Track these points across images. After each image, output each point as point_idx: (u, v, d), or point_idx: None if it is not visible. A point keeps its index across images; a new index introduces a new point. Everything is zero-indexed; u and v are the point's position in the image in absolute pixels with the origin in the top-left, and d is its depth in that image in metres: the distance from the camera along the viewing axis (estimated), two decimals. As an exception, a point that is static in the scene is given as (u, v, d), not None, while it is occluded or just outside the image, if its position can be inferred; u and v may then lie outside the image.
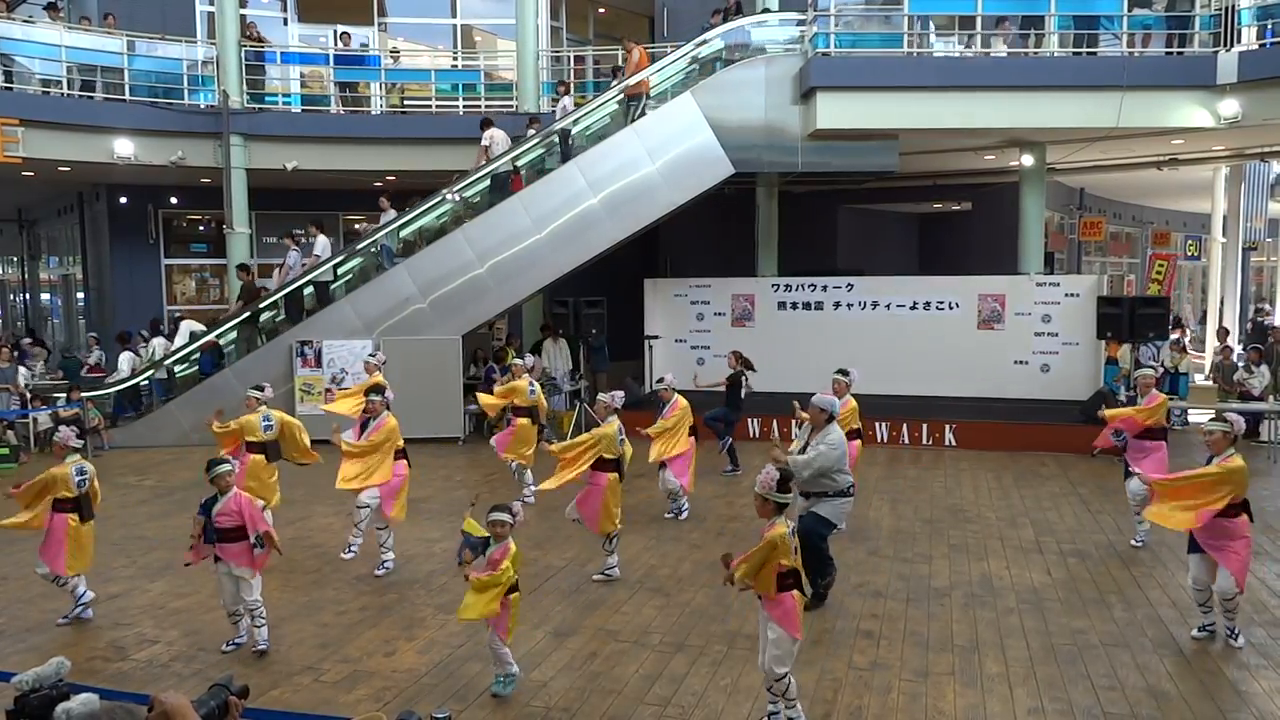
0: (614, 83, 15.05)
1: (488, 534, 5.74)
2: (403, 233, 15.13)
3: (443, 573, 8.08)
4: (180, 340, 15.00)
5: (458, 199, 14.67)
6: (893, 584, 7.72)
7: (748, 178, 15.07)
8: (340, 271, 15.07)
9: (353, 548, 8.52)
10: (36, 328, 23.04)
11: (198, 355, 14.73)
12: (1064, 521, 9.58)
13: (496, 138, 14.81)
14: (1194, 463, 8.61)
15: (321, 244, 15.10)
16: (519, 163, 14.73)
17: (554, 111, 15.41)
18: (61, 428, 7.42)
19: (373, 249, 15.02)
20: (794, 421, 8.46)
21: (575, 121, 14.77)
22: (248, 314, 14.85)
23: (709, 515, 9.88)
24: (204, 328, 15.21)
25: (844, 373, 9.36)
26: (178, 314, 16.13)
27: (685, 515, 9.85)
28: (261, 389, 9.03)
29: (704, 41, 14.61)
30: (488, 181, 14.71)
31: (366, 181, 17.07)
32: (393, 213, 15.18)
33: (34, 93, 15.00)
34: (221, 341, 14.83)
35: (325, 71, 17.33)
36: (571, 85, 16.24)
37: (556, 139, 14.68)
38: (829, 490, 7.07)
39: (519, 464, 10.57)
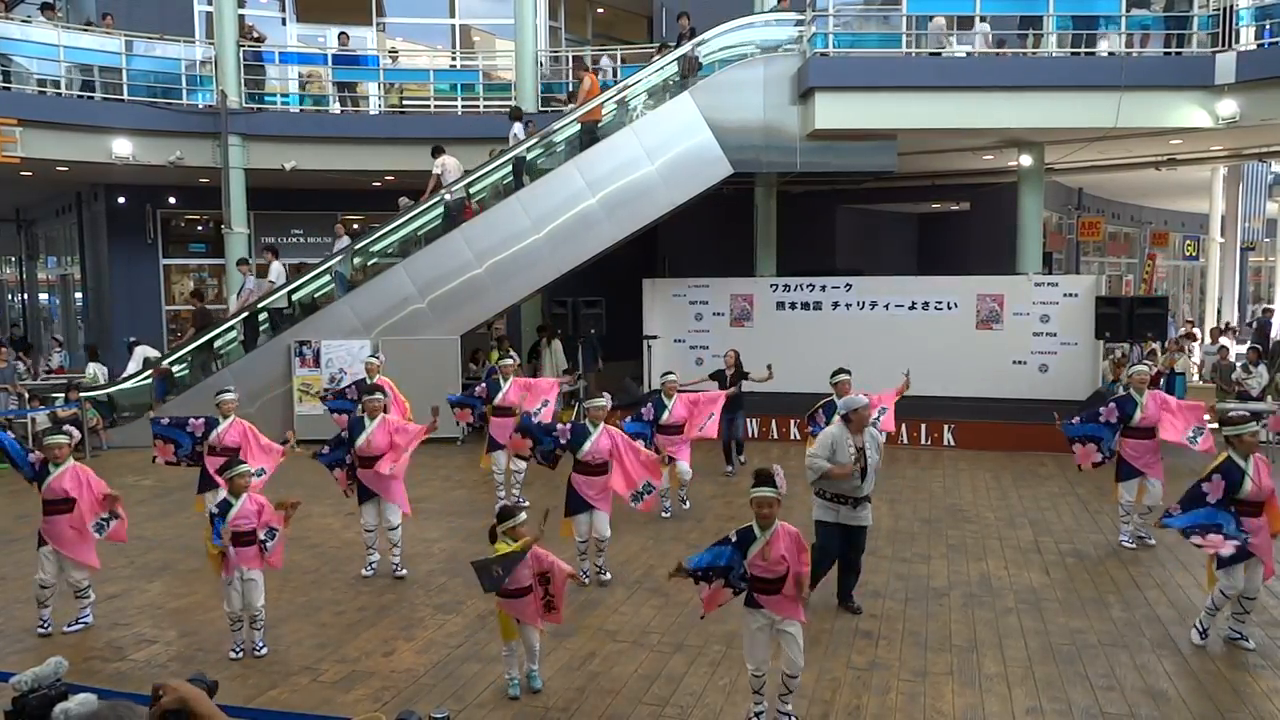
0: (567, 109, 14.82)
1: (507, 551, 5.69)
2: (357, 259, 15.11)
3: (441, 573, 8.09)
4: (134, 366, 14.89)
5: (451, 197, 14.68)
6: (891, 584, 7.72)
7: (746, 178, 15.07)
8: (295, 298, 15.04)
9: (397, 568, 8.14)
10: (27, 328, 23.06)
11: (150, 382, 14.67)
12: (1062, 521, 9.59)
13: (448, 165, 14.90)
14: (1192, 463, 8.61)
15: (275, 270, 15.13)
16: (471, 190, 14.80)
17: (512, 135, 15.05)
18: (73, 429, 7.42)
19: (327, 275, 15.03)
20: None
21: (529, 149, 14.69)
22: (201, 340, 14.85)
23: (708, 515, 9.89)
24: (158, 354, 15.17)
25: (846, 372, 9.35)
26: (131, 339, 15.92)
27: (688, 505, 9.91)
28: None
29: (700, 42, 14.58)
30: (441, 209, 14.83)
31: (365, 181, 17.07)
32: (346, 239, 15.26)
33: (32, 93, 15.00)
34: (175, 369, 14.79)
35: (324, 71, 17.32)
36: (576, 99, 15.71)
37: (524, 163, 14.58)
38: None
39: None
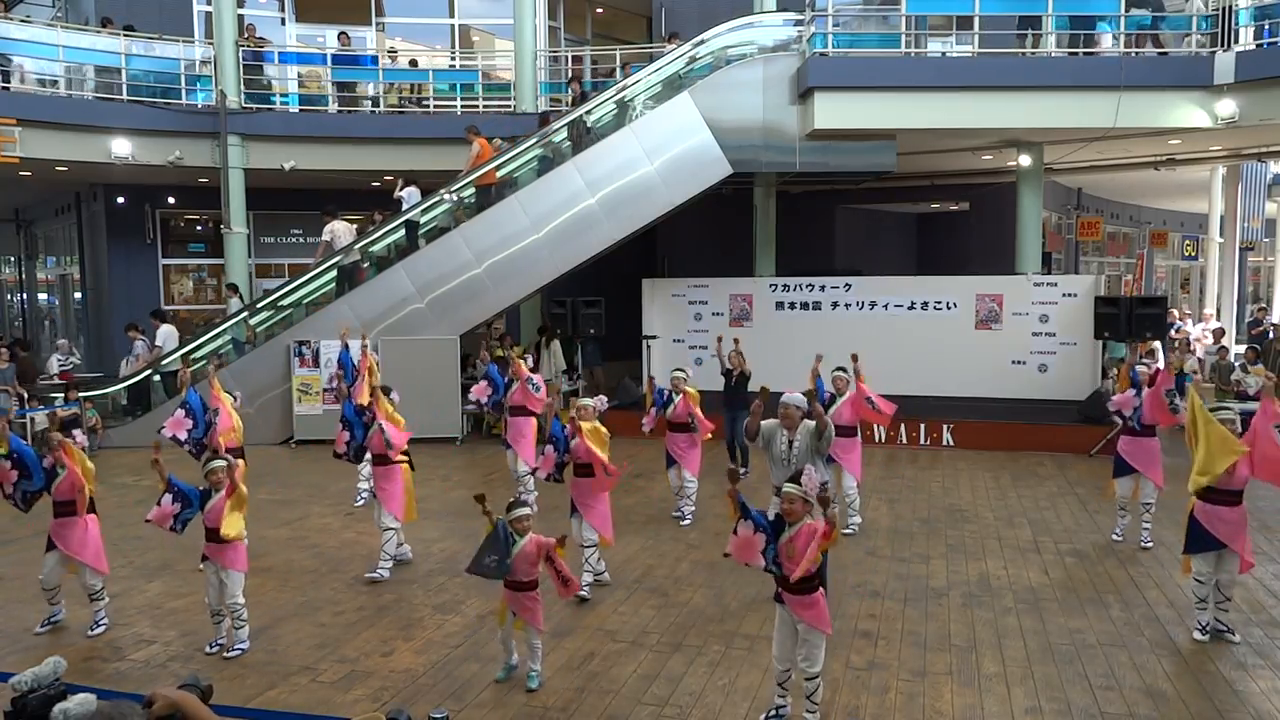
0: (460, 174, 14.67)
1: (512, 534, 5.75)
2: (253, 320, 14.96)
3: (440, 573, 8.09)
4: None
5: (456, 198, 14.67)
6: (890, 584, 7.73)
7: (745, 178, 15.07)
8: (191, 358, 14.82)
9: (382, 569, 8.00)
10: (26, 328, 23.05)
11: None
12: (1061, 521, 9.59)
13: (338, 230, 14.96)
14: (1186, 460, 8.58)
15: (163, 333, 15.15)
16: (367, 251, 14.91)
17: (406, 198, 15.08)
18: (76, 432, 7.39)
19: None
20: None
21: (423, 211, 14.69)
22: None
23: (707, 515, 9.87)
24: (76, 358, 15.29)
25: (843, 370, 9.40)
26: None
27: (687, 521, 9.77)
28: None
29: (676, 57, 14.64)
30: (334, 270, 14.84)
31: (364, 181, 17.07)
32: (237, 303, 15.35)
33: (31, 92, 14.98)
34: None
35: (323, 71, 17.32)
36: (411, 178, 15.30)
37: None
38: None
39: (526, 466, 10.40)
